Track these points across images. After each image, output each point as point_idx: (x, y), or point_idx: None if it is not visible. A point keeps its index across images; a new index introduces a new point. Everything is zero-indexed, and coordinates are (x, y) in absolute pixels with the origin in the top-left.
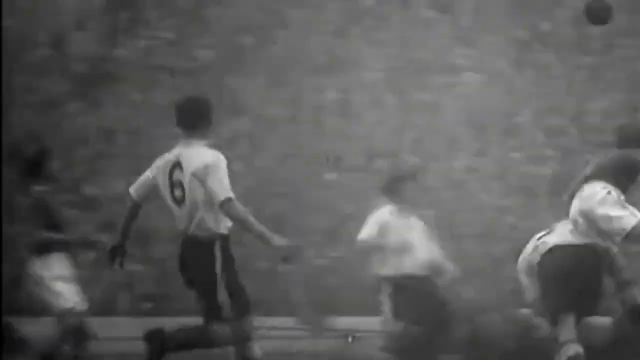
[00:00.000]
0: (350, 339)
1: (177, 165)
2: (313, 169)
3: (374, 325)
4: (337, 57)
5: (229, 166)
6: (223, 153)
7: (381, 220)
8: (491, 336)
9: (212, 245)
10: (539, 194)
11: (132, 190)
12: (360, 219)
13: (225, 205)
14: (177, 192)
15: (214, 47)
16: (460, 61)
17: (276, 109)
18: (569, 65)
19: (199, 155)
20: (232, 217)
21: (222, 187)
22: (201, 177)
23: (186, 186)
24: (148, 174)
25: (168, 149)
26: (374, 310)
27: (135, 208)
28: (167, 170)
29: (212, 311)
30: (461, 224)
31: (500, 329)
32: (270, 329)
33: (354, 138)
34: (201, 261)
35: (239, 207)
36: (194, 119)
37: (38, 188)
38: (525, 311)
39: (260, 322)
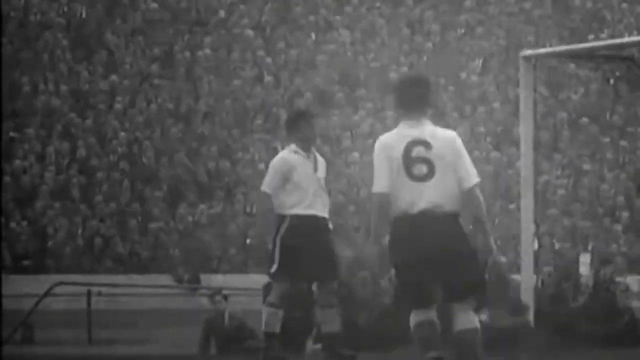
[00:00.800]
0: (222, 297)
1: None
2: (188, 124)
3: (247, 282)
4: (211, 15)
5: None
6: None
7: (282, 164)
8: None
9: None
10: None
11: None
12: (232, 175)
13: None
14: None
15: (91, 4)
16: (334, 18)
17: (151, 65)
18: (445, 21)
19: None
20: None
21: None
22: None
23: None
24: None
25: None
26: (247, 268)
27: None
28: None
29: None
30: (333, 178)
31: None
32: (145, 287)
33: (228, 94)
34: None
35: None
36: None
37: None
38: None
39: (135, 279)
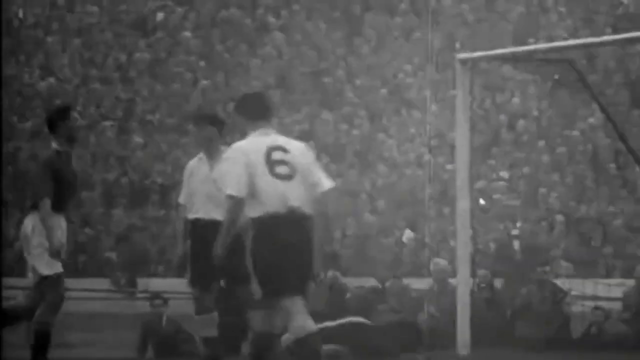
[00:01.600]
0: (162, 301)
1: None
2: (124, 130)
3: (184, 286)
4: (149, 18)
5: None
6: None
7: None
8: None
9: None
10: (347, 153)
11: None
12: (168, 179)
13: None
14: None
15: (30, 6)
16: (270, 20)
17: (87, 68)
18: (380, 25)
19: None
20: None
21: None
22: None
23: None
24: None
25: None
26: (184, 272)
27: None
28: None
29: None
30: None
31: None
32: (82, 291)
33: (165, 98)
34: None
35: None
36: None
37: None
38: None
39: (72, 283)
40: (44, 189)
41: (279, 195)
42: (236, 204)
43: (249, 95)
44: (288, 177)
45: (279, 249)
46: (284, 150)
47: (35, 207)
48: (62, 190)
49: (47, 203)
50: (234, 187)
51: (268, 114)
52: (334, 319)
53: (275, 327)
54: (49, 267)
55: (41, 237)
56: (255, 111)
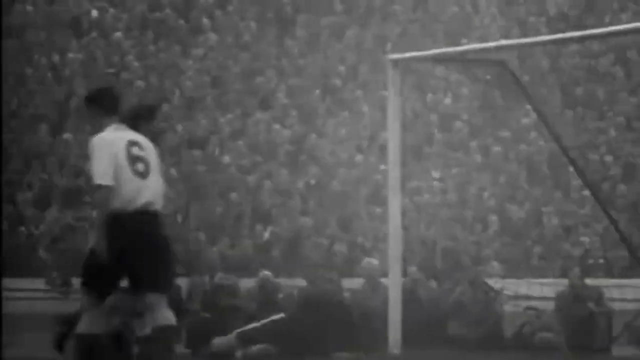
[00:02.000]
0: None
1: None
2: (59, 128)
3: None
4: (83, 19)
5: None
6: None
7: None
8: None
9: None
10: (279, 153)
11: None
12: None
13: None
14: None
15: None
16: (203, 21)
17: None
18: (312, 25)
19: None
20: None
21: None
22: None
23: None
24: None
25: None
26: None
27: None
28: None
29: None
30: (203, 182)
31: None
32: (17, 290)
33: None
34: None
35: None
36: None
37: None
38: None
39: (7, 283)
40: None
41: (136, 192)
42: (104, 192)
43: (103, 89)
44: (145, 174)
45: (133, 245)
46: (140, 146)
47: None
48: None
49: None
50: (102, 176)
51: (119, 108)
52: (266, 319)
53: (100, 328)
54: None
55: None
56: (110, 105)
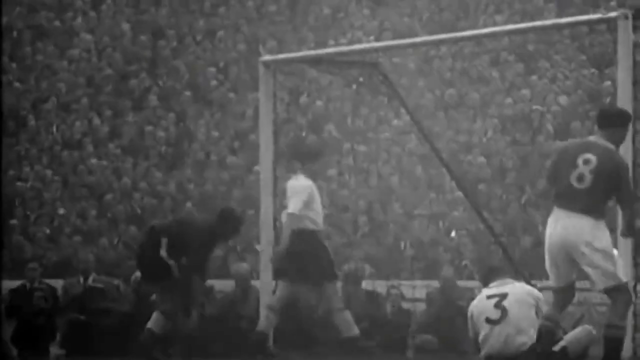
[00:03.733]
0: None
1: None
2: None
3: None
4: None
5: None
6: None
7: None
8: None
9: None
10: (152, 155)
11: None
12: None
13: None
14: None
15: None
16: (77, 23)
17: None
18: (183, 27)
19: None
20: None
21: None
22: None
23: None
24: None
25: None
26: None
27: None
28: None
29: None
30: (77, 184)
31: None
32: None
33: None
34: None
35: None
36: None
37: None
38: None
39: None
40: None
41: None
42: None
43: None
44: None
45: None
46: None
47: None
48: None
49: None
50: None
51: None
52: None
53: None
54: None
55: None
56: None
